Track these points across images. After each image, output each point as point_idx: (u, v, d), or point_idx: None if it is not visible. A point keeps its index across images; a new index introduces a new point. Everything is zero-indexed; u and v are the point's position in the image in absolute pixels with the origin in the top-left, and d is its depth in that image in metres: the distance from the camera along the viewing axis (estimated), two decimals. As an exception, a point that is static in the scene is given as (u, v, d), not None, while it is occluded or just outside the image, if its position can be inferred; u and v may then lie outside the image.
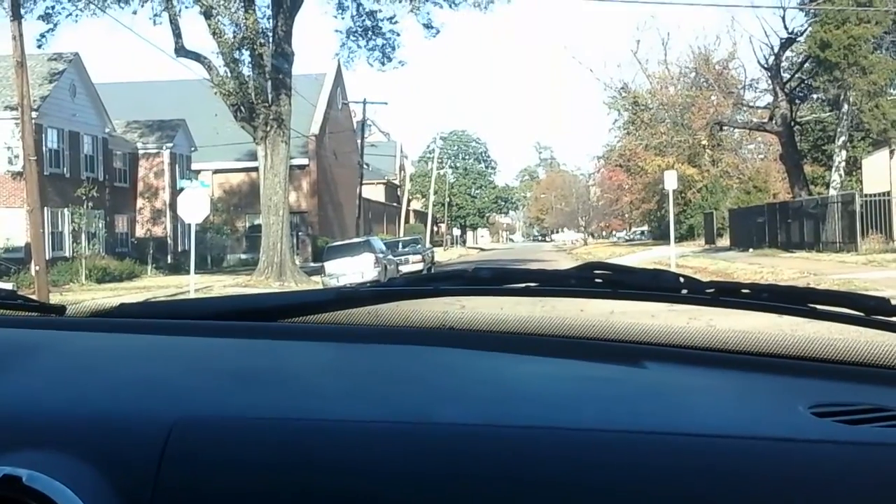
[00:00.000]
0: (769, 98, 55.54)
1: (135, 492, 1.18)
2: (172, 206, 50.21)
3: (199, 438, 1.26)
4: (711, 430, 1.29)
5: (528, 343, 1.74)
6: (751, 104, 62.02)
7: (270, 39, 38.12)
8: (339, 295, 1.85)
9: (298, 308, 1.90)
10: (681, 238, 65.33)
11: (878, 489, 1.20)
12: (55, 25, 38.69)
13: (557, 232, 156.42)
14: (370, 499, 1.18)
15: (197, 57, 38.46)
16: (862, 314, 1.61)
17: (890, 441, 1.29)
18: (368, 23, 42.16)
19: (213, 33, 36.89)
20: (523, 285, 1.81)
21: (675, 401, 1.45)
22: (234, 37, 37.28)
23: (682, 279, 1.72)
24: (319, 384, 1.50)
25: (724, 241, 62.20)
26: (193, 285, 29.50)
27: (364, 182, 68.91)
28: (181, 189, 33.25)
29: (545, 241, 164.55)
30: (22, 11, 28.66)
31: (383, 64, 42.50)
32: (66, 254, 45.15)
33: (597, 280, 1.76)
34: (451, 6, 39.58)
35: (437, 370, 1.61)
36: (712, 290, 1.70)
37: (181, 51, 38.46)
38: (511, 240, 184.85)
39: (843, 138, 47.23)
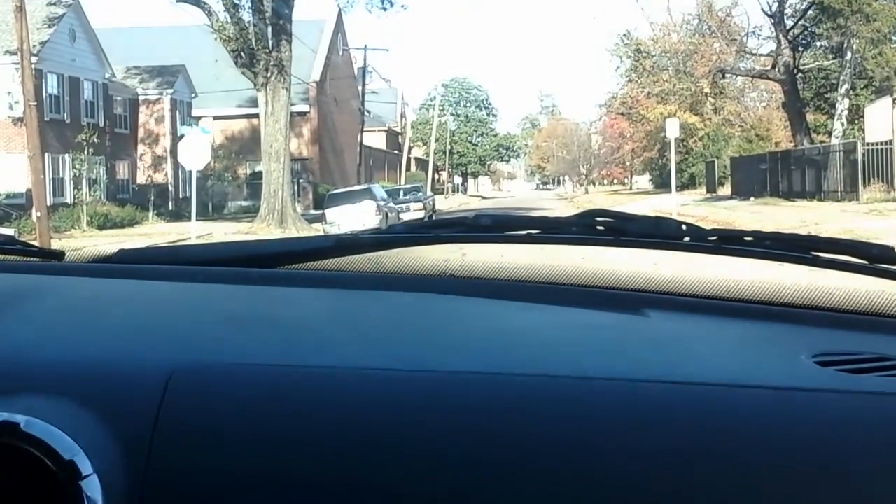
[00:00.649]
0: (772, 46, 55.24)
1: (134, 438, 1.18)
2: (173, 152, 50.27)
3: (198, 384, 1.25)
4: (713, 379, 1.28)
5: (530, 291, 1.73)
6: (754, 52, 61.74)
7: (271, -16, 37.93)
8: (340, 242, 1.85)
9: (299, 255, 1.89)
10: (682, 187, 65.31)
11: (882, 438, 1.19)
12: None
13: (557, 183, 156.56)
14: (371, 446, 1.18)
15: (197, 2, 38.28)
16: (866, 262, 1.60)
17: (893, 390, 1.28)
18: (369, -33, 41.98)
19: (214, -22, 36.72)
20: (524, 233, 1.80)
21: (677, 349, 1.44)
22: (235, -19, 37.12)
23: (684, 227, 1.71)
24: (320, 331, 1.50)
25: (726, 190, 62.16)
26: (195, 232, 29.54)
27: (365, 129, 68.83)
28: (182, 135, 33.27)
29: (546, 189, 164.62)
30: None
31: (384, 9, 42.37)
32: (68, 200, 45.22)
33: (598, 227, 1.75)
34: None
35: (438, 318, 1.61)
36: (715, 238, 1.69)
37: (181, -5, 38.29)
38: (512, 188, 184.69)
39: (845, 86, 47.09)
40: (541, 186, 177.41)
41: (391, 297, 1.73)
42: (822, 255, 1.64)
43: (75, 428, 1.17)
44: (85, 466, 1.13)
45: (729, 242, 1.70)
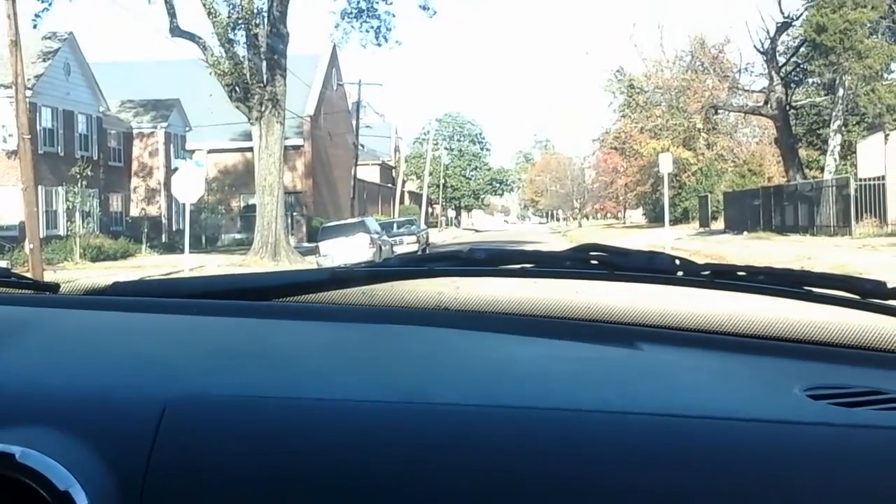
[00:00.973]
0: (765, 82, 55.41)
1: (129, 469, 1.18)
2: (167, 185, 50.23)
3: (193, 416, 1.26)
4: (707, 412, 1.29)
5: (523, 324, 1.74)
6: (746, 88, 61.96)
7: (266, 19, 38.00)
8: (334, 275, 1.85)
9: (293, 287, 1.90)
10: (675, 221, 65.35)
11: (875, 472, 1.20)
12: (50, 5, 38.69)
13: (551, 217, 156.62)
14: (365, 478, 1.18)
15: (192, 37, 38.35)
16: (858, 297, 1.61)
17: (886, 424, 1.29)
18: (363, 4, 42.16)
19: (209, 13, 36.78)
20: (519, 267, 1.81)
21: (670, 382, 1.45)
22: (230, 16, 37.20)
23: (677, 261, 1.71)
24: (314, 363, 1.50)
25: (719, 225, 62.23)
26: (188, 265, 29.50)
27: (359, 163, 68.90)
28: (175, 168, 33.26)
29: (540, 223, 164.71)
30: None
31: (378, 45, 42.49)
32: (61, 232, 45.13)
33: (592, 262, 1.76)
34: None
35: (432, 350, 1.61)
36: (708, 273, 1.70)
37: (176, 30, 38.37)
38: (506, 221, 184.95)
39: (838, 122, 47.20)
40: (534, 220, 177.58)
41: (385, 330, 1.73)
42: (814, 289, 1.64)
43: (71, 459, 1.17)
44: (80, 497, 1.13)
45: (722, 277, 1.71)
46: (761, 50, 52.39)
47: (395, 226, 51.74)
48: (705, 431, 1.24)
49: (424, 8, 41.63)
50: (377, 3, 42.06)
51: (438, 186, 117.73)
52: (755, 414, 1.29)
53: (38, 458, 1.15)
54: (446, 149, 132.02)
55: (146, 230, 50.16)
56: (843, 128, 48.10)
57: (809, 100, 57.32)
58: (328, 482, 1.18)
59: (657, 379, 1.46)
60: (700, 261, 1.79)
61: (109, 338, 1.63)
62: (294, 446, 1.22)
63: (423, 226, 64.19)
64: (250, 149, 43.30)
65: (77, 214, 45.51)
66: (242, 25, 37.23)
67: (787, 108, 51.87)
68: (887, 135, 42.28)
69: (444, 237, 79.88)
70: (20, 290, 2.00)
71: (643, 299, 2.11)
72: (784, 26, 50.86)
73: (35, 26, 39.56)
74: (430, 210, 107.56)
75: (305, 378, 1.42)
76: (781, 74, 51.25)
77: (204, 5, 36.69)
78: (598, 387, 1.41)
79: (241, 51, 38.09)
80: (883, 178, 40.90)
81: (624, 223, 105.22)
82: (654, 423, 1.25)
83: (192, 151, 56.49)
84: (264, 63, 37.94)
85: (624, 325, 1.74)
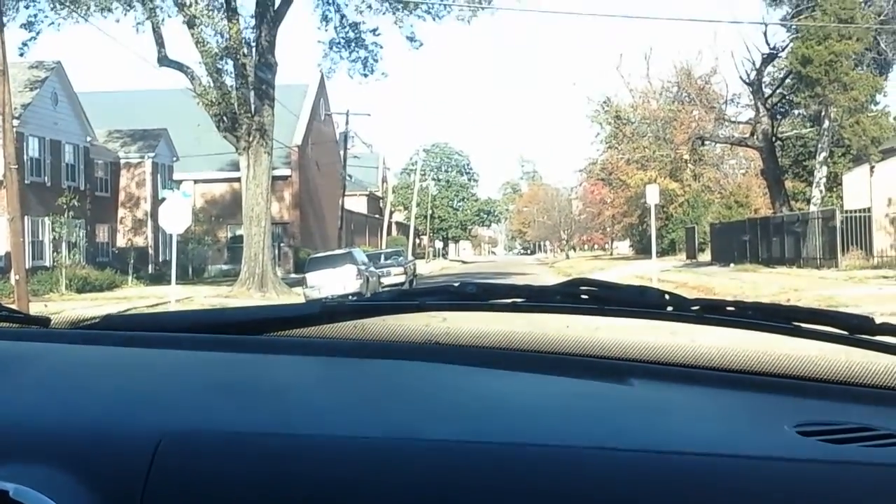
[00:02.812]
0: (751, 113, 55.71)
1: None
2: (154, 215, 50.17)
3: (186, 452, 1.26)
4: (697, 448, 1.29)
5: (514, 359, 1.74)
6: (732, 119, 62.26)
7: (254, 49, 38.07)
8: (324, 309, 1.85)
9: (285, 322, 1.90)
10: (663, 252, 65.42)
11: None
12: (37, 34, 38.66)
13: (538, 248, 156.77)
14: None
15: (179, 66, 38.39)
16: (846, 333, 1.62)
17: (875, 461, 1.29)
18: (352, 34, 42.24)
19: (197, 43, 36.82)
20: (510, 301, 1.81)
21: (660, 418, 1.45)
22: (218, 46, 37.26)
23: (667, 296, 1.72)
24: (306, 399, 1.50)
25: (706, 256, 62.28)
26: (174, 296, 29.42)
27: (346, 193, 68.93)
28: (163, 199, 33.20)
29: (521, 253, 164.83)
30: (3, 20, 28.54)
31: (365, 76, 42.56)
32: (47, 263, 45.00)
33: (583, 296, 1.76)
34: (434, 19, 39.83)
35: (422, 386, 1.61)
36: (697, 308, 1.70)
37: (164, 60, 38.40)
38: (493, 252, 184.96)
39: (823, 154, 47.39)
40: (521, 251, 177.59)
41: (376, 365, 1.73)
42: (803, 325, 1.65)
43: (64, 495, 1.17)
44: None
45: (712, 312, 1.71)
46: (747, 81, 52.66)
47: (382, 257, 51.68)
48: (696, 468, 1.25)
49: (411, 39, 41.77)
50: (365, 34, 42.18)
51: (426, 217, 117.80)
52: (745, 450, 1.29)
53: (31, 495, 1.15)
54: (434, 179, 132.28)
55: (133, 261, 50.02)
56: (828, 159, 48.28)
57: (795, 131, 57.62)
58: None
59: (648, 415, 1.46)
60: (688, 293, 1.80)
61: (102, 372, 1.63)
62: (287, 482, 1.22)
63: (410, 257, 64.18)
64: (238, 179, 43.32)
65: (63, 245, 45.41)
66: (231, 55, 37.27)
67: (774, 139, 52.10)
68: (872, 167, 42.44)
69: (431, 268, 79.80)
70: (10, 324, 2.00)
71: (633, 333, 2.12)
72: (770, 58, 51.11)
73: (22, 55, 39.54)
74: (417, 241, 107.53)
75: (298, 414, 1.42)
76: (767, 106, 51.47)
77: (192, 35, 36.73)
78: (589, 422, 1.41)
79: (229, 80, 38.13)
80: (868, 209, 41.05)
81: (611, 254, 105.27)
82: (645, 459, 1.26)
83: (180, 181, 56.42)
84: (252, 93, 37.98)
85: (614, 360, 1.75)
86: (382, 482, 1.22)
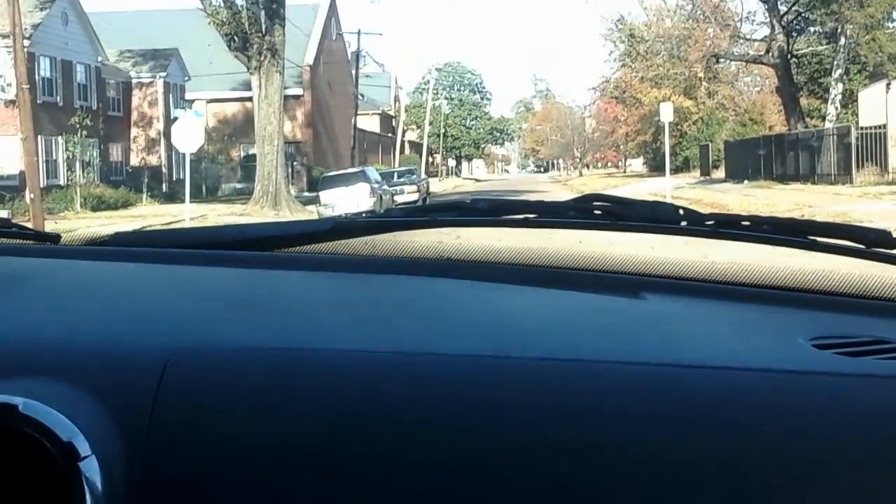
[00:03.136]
0: (766, 31, 55.26)
1: (132, 419, 1.18)
2: (167, 135, 50.18)
3: (195, 367, 1.26)
4: (711, 362, 1.28)
5: (526, 274, 1.73)
6: (747, 37, 61.72)
7: (264, -33, 37.81)
8: (336, 225, 1.84)
9: (296, 238, 1.89)
10: (676, 170, 65.27)
11: (881, 421, 1.20)
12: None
13: (552, 166, 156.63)
14: (368, 429, 1.18)
15: (190, -16, 38.18)
16: (862, 246, 1.61)
17: (891, 373, 1.29)
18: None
19: (207, -40, 36.59)
20: (521, 217, 1.80)
21: (674, 333, 1.44)
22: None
23: (681, 211, 1.70)
24: (317, 314, 1.49)
25: (720, 173, 62.20)
26: (188, 214, 29.51)
27: (359, 112, 68.76)
28: (175, 118, 33.20)
29: (541, 172, 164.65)
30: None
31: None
32: (61, 182, 45.14)
33: (595, 212, 1.75)
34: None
35: (434, 301, 1.61)
36: (712, 222, 1.69)
37: (174, -22, 38.18)
38: (506, 171, 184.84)
39: (839, 71, 47.11)
40: (534, 170, 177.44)
41: (387, 281, 1.73)
42: (818, 239, 1.64)
43: (74, 410, 1.17)
44: (83, 448, 1.13)
45: (726, 227, 1.70)
46: (763, -2, 52.14)
47: (395, 175, 51.68)
48: (710, 381, 1.24)
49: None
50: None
51: (439, 136, 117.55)
52: (760, 364, 1.28)
53: (40, 408, 1.15)
54: (446, 98, 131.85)
55: (146, 180, 50.18)
56: (844, 76, 48.01)
57: (811, 48, 57.15)
58: (330, 431, 1.18)
59: (661, 329, 1.45)
60: (702, 209, 1.78)
61: (112, 289, 1.63)
62: (297, 397, 1.22)
63: (423, 175, 64.14)
64: (250, 98, 43.26)
65: (77, 164, 45.51)
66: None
67: (789, 56, 51.71)
68: (889, 83, 42.14)
69: (444, 186, 79.87)
70: (21, 241, 2.00)
71: (647, 249, 2.10)
72: (786, -26, 50.60)
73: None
74: (430, 160, 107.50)
75: (309, 329, 1.42)
76: (783, 23, 51.03)
77: (202, -47, 36.48)
78: (602, 337, 1.41)
79: (239, -1, 37.91)
80: (884, 126, 40.82)
81: (624, 172, 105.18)
82: (659, 373, 1.25)
83: (192, 101, 56.43)
84: (263, 12, 37.79)
85: (627, 276, 1.74)
86: (393, 396, 1.22)
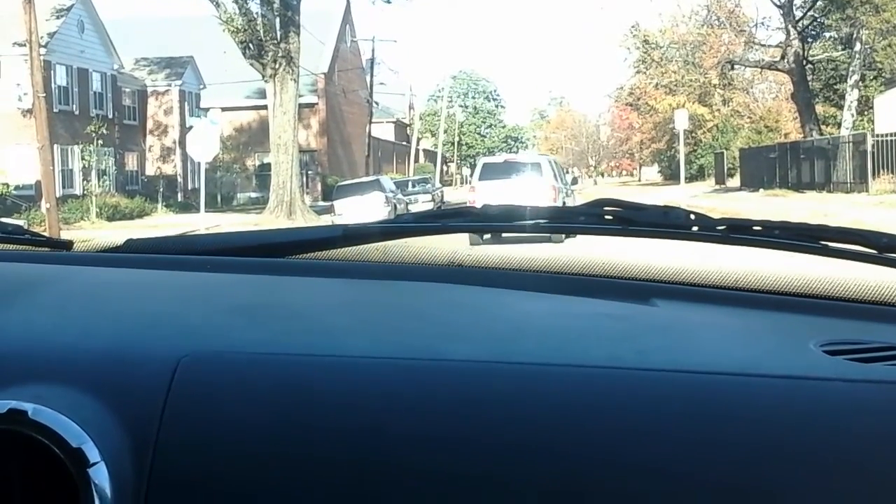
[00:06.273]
0: (781, 36, 55.16)
1: (141, 426, 1.18)
2: (182, 143, 50.27)
3: (206, 373, 1.25)
4: (721, 368, 1.28)
5: (536, 280, 1.73)
6: (762, 43, 61.67)
7: (279, -25, 37.92)
8: (348, 231, 1.84)
9: (307, 244, 1.89)
10: (691, 178, 65.26)
11: (891, 427, 1.19)
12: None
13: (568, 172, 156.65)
14: (378, 435, 1.18)
15: (205, -7, 38.29)
16: (875, 252, 1.60)
17: None
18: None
19: (222, -31, 36.71)
20: (532, 222, 1.80)
21: (684, 339, 1.44)
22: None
23: (692, 216, 1.70)
24: (328, 320, 1.49)
25: (735, 182, 62.08)
26: (203, 224, 29.57)
27: (373, 121, 68.84)
28: (190, 127, 33.28)
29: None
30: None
31: (388, 2, 42.38)
32: (77, 191, 45.30)
33: (606, 217, 1.75)
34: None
35: (445, 307, 1.60)
36: (723, 228, 1.69)
37: (189, -13, 38.35)
38: None
39: (855, 77, 46.99)
40: None
41: (399, 287, 1.73)
42: (831, 244, 1.63)
43: (83, 416, 1.17)
44: (93, 454, 1.13)
45: (737, 232, 1.69)
46: (778, 3, 52.09)
47: (410, 184, 51.82)
48: (720, 388, 1.24)
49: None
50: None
51: (453, 144, 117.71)
52: (770, 370, 1.28)
53: (50, 414, 1.15)
54: (461, 106, 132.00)
55: (162, 189, 50.27)
56: (860, 83, 47.91)
57: (826, 54, 57.02)
58: (341, 438, 1.18)
59: (671, 335, 1.45)
60: (716, 217, 1.77)
61: (122, 295, 1.63)
62: (307, 403, 1.22)
63: (438, 184, 64.25)
64: (265, 106, 43.33)
65: (93, 173, 45.64)
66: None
67: (804, 62, 51.62)
68: (905, 90, 42.04)
69: (459, 195, 79.83)
70: (34, 248, 2.01)
71: (657, 255, 2.10)
72: (801, -21, 50.55)
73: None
74: (444, 168, 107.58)
75: (319, 335, 1.42)
76: (798, 29, 50.95)
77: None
78: (612, 343, 1.40)
79: (254, 7, 38.05)
80: (900, 133, 40.69)
81: (639, 180, 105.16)
82: (670, 379, 1.25)
83: (207, 109, 56.42)
84: (278, 19, 37.90)
85: (638, 281, 1.73)
86: (404, 401, 1.22)
